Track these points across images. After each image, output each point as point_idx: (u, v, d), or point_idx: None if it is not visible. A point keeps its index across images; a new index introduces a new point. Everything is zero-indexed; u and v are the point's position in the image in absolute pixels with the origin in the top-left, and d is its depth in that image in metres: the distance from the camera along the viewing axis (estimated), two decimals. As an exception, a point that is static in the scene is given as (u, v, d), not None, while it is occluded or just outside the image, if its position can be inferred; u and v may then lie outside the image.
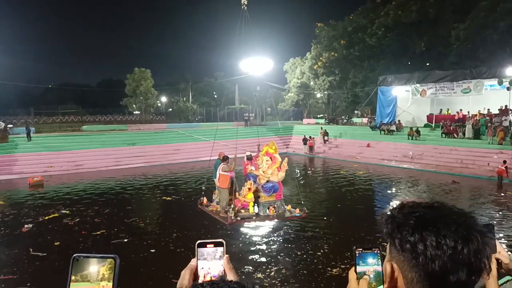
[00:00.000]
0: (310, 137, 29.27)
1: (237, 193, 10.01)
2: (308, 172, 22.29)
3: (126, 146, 26.21)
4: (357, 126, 33.39)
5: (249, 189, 9.64)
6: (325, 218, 11.00)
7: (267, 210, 9.74)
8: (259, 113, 42.27)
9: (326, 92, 41.43)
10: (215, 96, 55.76)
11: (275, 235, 9.35)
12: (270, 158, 9.71)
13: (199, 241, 0.93)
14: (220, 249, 0.94)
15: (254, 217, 9.48)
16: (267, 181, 9.70)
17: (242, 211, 9.58)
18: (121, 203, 14.11)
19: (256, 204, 9.81)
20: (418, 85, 26.81)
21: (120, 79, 51.50)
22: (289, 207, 10.04)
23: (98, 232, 10.00)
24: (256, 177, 9.97)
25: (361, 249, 0.92)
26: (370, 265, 0.90)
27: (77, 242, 9.19)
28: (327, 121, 36.83)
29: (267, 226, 9.88)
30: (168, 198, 14.61)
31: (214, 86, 54.47)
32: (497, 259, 1.08)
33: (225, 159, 9.77)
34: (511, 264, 1.10)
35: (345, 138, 29.62)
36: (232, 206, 9.48)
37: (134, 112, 46.29)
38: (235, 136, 27.72)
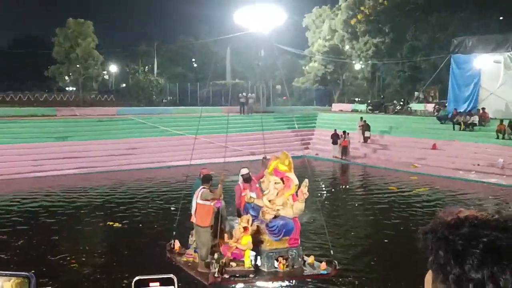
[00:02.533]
0: (343, 132, 29.38)
1: (225, 235, 10.00)
2: (339, 189, 22.56)
3: (52, 141, 26.48)
4: (417, 116, 33.66)
5: (245, 229, 9.56)
6: (367, 275, 11.05)
7: (275, 263, 9.66)
8: (263, 94, 42.41)
9: (369, 61, 41.50)
10: (195, 65, 56.03)
11: (287, 306, 9.48)
12: (282, 179, 9.60)
13: (138, 278, 1.05)
14: None
15: (251, 275, 9.42)
16: (276, 217, 9.64)
17: (233, 264, 9.50)
18: (43, 231, 14.42)
19: (256, 254, 9.81)
20: (515, 53, 27.19)
21: (45, 37, 50.52)
22: (311, 259, 9.97)
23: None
24: (257, 210, 9.95)
25: None
26: None
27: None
28: (370, 108, 37.24)
29: None
30: (117, 224, 15.19)
31: (194, 49, 54.78)
32: None
33: (207, 179, 9.78)
34: None
35: (397, 135, 29.94)
36: (216, 256, 9.36)
37: (67, 89, 46.73)
38: (224, 130, 27.74)
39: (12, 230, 14.45)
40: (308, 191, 9.44)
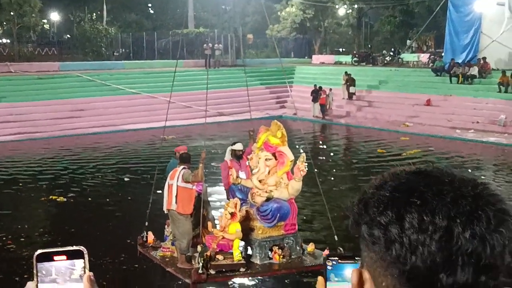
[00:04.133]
0: (319, 88, 29.62)
1: (209, 224, 9.97)
2: (322, 155, 22.75)
3: None
4: (409, 68, 34.12)
5: (233, 215, 9.44)
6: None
7: (269, 253, 9.68)
8: (231, 44, 41.90)
9: (355, 5, 41.47)
10: (151, 11, 56.80)
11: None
12: (274, 155, 9.47)
13: (39, 251, 1.06)
14: (79, 262, 1.07)
15: (242, 269, 9.38)
16: (268, 200, 9.56)
17: (220, 257, 9.41)
18: None
19: (246, 244, 9.83)
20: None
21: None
22: (311, 247, 9.99)
23: None
24: (246, 193, 9.93)
25: (336, 259, 1.10)
26: (348, 280, 1.04)
27: None
28: (356, 59, 37.49)
29: (267, 287, 10.19)
30: (61, 199, 15.33)
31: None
32: None
33: (186, 158, 9.73)
34: None
35: (387, 90, 30.36)
36: (200, 248, 9.26)
37: (0, 41, 46.15)
38: (187, 87, 27.45)
39: None
40: (305, 172, 9.28)
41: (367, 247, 0.96)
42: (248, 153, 10.17)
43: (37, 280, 1.04)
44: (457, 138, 23.20)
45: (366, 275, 0.97)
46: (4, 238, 12.08)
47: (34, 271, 1.05)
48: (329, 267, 1.09)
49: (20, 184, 17.09)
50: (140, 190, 14.59)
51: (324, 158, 21.54)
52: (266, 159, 9.42)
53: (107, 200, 15.50)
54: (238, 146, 10.52)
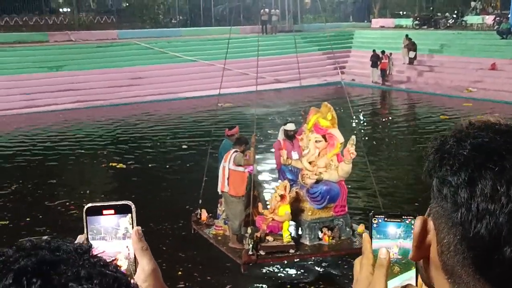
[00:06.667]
0: (382, 52, 29.30)
1: (259, 205, 9.96)
2: (382, 122, 22.64)
3: (45, 72, 26.92)
4: (473, 31, 33.42)
5: (283, 197, 9.40)
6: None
7: (318, 235, 9.78)
8: (289, 10, 40.96)
9: None
10: None
11: (336, 286, 9.68)
12: (324, 136, 9.41)
13: (89, 205, 1.09)
14: (125, 219, 1.08)
15: (292, 250, 9.43)
16: (318, 181, 9.56)
17: (270, 239, 9.46)
18: (38, 174, 15.01)
19: (296, 225, 9.90)
20: None
21: None
22: (361, 227, 9.90)
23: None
24: (296, 174, 9.92)
25: (382, 217, 1.08)
26: (393, 239, 1.06)
27: None
28: (417, 22, 36.87)
29: (317, 268, 10.14)
30: (121, 165, 15.67)
31: None
32: None
33: (241, 142, 9.77)
34: None
35: (449, 54, 29.91)
36: (250, 230, 9.34)
37: (60, 10, 45.88)
38: (245, 54, 27.49)
39: (3, 173, 14.99)
40: (355, 154, 9.27)
41: (435, 200, 0.95)
42: (301, 133, 10.11)
43: (87, 233, 1.08)
44: (525, 104, 22.73)
45: (431, 225, 0.96)
46: (67, 204, 12.34)
47: (84, 224, 1.08)
48: (374, 225, 1.08)
49: (82, 151, 17.51)
50: (199, 157, 14.54)
51: (384, 124, 21.58)
52: (316, 141, 9.40)
53: (166, 166, 15.66)
54: (290, 126, 10.48)
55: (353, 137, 9.33)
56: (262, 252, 9.23)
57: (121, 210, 1.08)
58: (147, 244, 1.08)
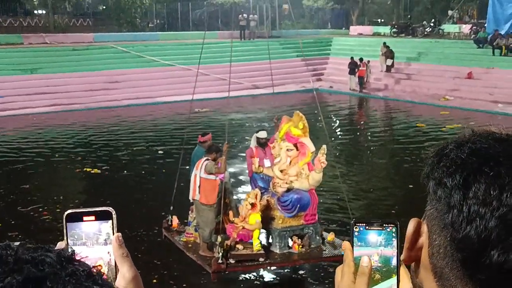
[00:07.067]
0: (361, 60, 29.43)
1: (230, 213, 9.95)
2: (358, 129, 22.71)
3: (19, 74, 26.76)
4: (450, 40, 33.64)
5: (253, 205, 9.42)
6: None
7: (288, 243, 9.73)
8: (267, 15, 41.29)
9: None
10: None
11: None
12: (295, 145, 9.48)
13: (69, 211, 1.07)
14: (107, 224, 1.07)
15: (261, 259, 9.44)
16: (289, 190, 9.61)
17: (240, 247, 9.45)
18: (11, 179, 15.02)
19: (266, 234, 9.93)
20: None
21: None
22: (331, 236, 9.99)
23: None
24: (268, 182, 9.94)
25: (363, 225, 1.06)
26: (374, 246, 1.05)
27: None
28: (394, 30, 37.19)
29: (287, 277, 10.03)
30: (96, 170, 15.61)
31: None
32: None
33: (211, 149, 9.70)
34: None
35: (426, 62, 30.02)
36: (219, 238, 9.31)
37: (36, 12, 45.83)
38: (222, 59, 27.56)
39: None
40: (325, 163, 9.22)
41: (430, 202, 0.96)
42: (273, 141, 10.12)
43: (67, 240, 1.06)
44: (499, 112, 22.90)
45: (425, 228, 0.97)
46: (40, 209, 12.20)
47: (64, 231, 1.06)
48: (355, 233, 1.08)
49: (56, 156, 17.35)
50: (174, 163, 14.38)
51: (361, 132, 21.65)
52: (287, 150, 9.46)
53: (142, 172, 15.60)
54: (262, 134, 10.44)
55: (324, 146, 9.35)
56: (232, 261, 9.22)
57: (102, 216, 1.07)
58: (128, 251, 1.06)
